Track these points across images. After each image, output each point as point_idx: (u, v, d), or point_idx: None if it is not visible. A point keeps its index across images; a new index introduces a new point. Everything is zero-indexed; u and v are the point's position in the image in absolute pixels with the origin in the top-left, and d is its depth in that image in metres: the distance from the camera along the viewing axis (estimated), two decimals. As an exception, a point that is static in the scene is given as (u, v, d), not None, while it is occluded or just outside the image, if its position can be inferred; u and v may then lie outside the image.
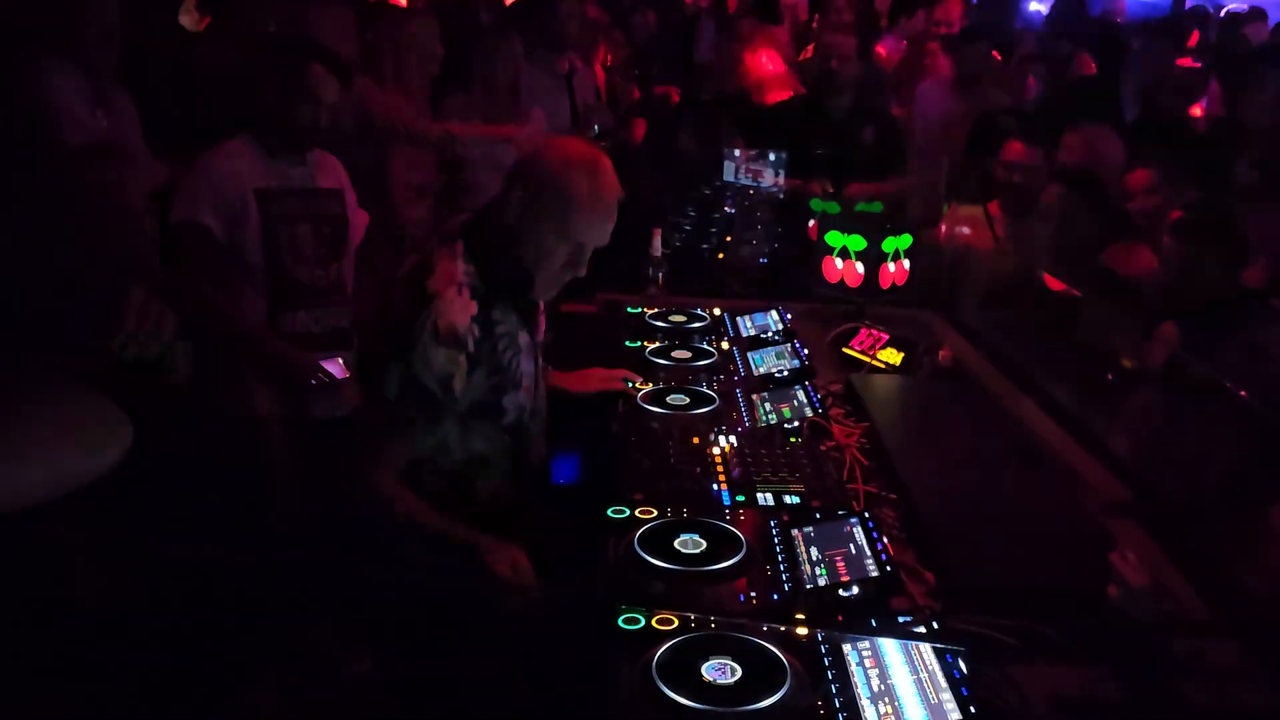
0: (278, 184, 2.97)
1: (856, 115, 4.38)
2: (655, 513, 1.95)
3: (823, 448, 2.31)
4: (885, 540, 1.81)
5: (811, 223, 3.69)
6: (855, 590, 1.70)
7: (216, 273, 2.90)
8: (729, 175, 4.27)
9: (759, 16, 5.64)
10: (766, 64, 4.56)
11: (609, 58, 5.66)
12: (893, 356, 2.98)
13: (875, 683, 1.46)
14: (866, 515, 1.88)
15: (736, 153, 4.18)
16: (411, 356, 2.02)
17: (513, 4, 5.57)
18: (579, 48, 4.93)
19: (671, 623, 1.59)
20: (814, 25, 6.60)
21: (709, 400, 2.52)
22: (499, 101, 4.24)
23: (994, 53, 5.34)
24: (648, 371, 2.74)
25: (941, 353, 2.96)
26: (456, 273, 2.08)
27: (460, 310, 2.06)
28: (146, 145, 3.35)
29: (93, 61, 3.15)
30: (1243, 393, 2.33)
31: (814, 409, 2.46)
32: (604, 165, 2.15)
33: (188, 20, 5.17)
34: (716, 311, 3.28)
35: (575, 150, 2.18)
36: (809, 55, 5.79)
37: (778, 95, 4.62)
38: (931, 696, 1.42)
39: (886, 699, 1.43)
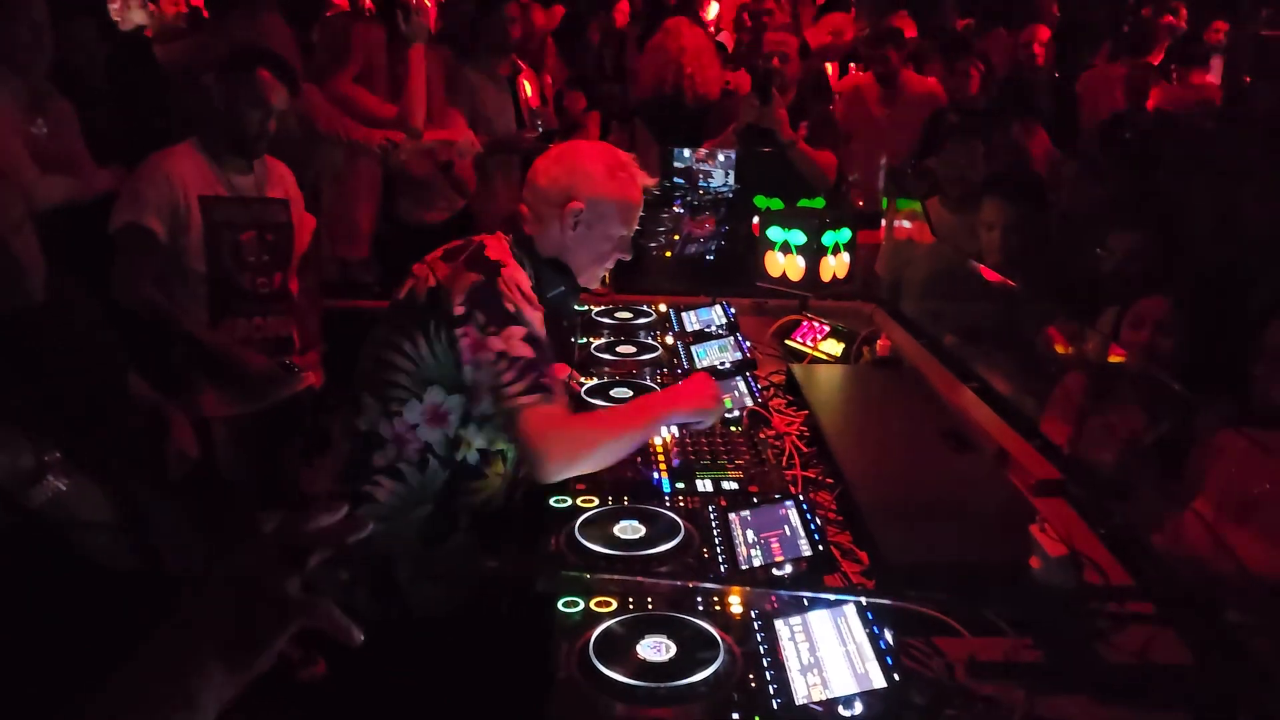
0: (223, 191, 2.98)
1: (796, 114, 4.45)
2: (596, 501, 2.00)
3: (762, 436, 2.36)
4: (819, 522, 1.87)
5: (755, 219, 3.76)
6: (788, 569, 1.75)
7: (158, 275, 2.90)
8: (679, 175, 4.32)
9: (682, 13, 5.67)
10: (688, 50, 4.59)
11: (558, 69, 5.70)
12: (834, 348, 3.05)
13: (805, 655, 1.51)
14: (801, 498, 1.93)
15: (687, 153, 4.22)
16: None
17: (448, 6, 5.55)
18: (522, 51, 4.95)
19: (610, 605, 1.64)
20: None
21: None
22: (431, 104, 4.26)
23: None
24: (594, 367, 2.78)
25: (880, 343, 3.03)
26: (508, 250, 2.12)
27: (522, 277, 2.08)
28: (88, 152, 3.35)
29: (24, 67, 3.14)
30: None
31: (755, 399, 2.51)
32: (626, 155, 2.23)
33: (139, 16, 5.15)
34: (662, 308, 3.33)
35: (603, 153, 2.21)
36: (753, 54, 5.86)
37: (709, 85, 4.66)
38: (858, 666, 1.47)
39: (815, 670, 1.48)
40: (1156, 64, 5.87)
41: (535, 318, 2.02)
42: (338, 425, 2.17)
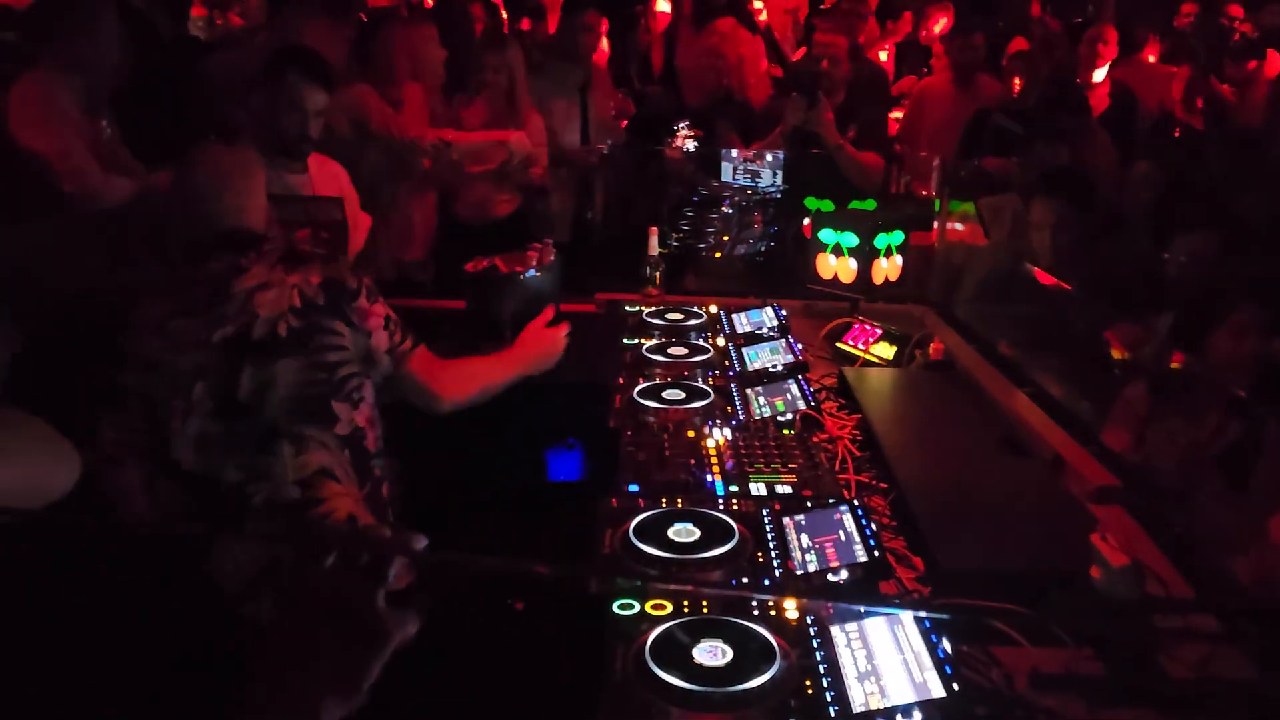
0: (276, 189, 3.02)
1: (845, 115, 4.42)
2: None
3: (815, 439, 2.35)
4: (874, 527, 1.85)
5: (806, 220, 3.74)
6: (844, 575, 1.74)
7: None
8: (726, 175, 4.31)
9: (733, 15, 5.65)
10: (746, 57, 4.58)
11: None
12: (886, 351, 3.03)
13: (862, 663, 1.50)
14: (856, 503, 1.92)
15: (734, 153, 4.22)
16: None
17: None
18: (593, 59, 4.93)
19: (665, 608, 1.64)
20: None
21: (703, 395, 2.56)
22: (497, 108, 4.28)
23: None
24: (646, 369, 2.78)
25: (933, 346, 3.01)
26: None
27: None
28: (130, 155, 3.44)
29: (92, 73, 3.22)
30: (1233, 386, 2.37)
31: (807, 402, 2.50)
32: None
33: (200, 26, 5.25)
34: (713, 309, 3.32)
35: None
36: (802, 54, 5.84)
37: (760, 86, 4.64)
38: (916, 675, 1.46)
39: (873, 678, 1.47)
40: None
41: None
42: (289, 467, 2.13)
